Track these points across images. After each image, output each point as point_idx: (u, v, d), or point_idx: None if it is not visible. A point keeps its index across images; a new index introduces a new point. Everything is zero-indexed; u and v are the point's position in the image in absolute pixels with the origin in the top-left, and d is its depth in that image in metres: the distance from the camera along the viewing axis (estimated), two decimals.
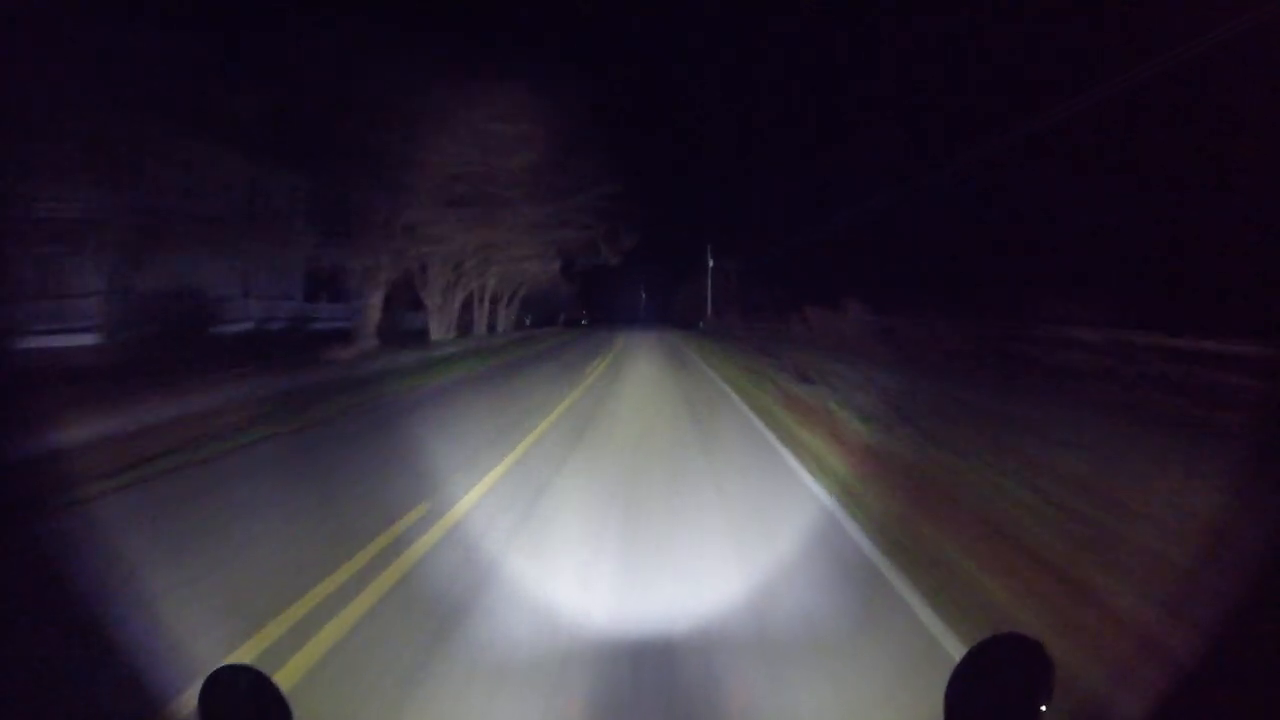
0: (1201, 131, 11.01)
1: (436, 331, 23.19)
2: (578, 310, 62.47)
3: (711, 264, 46.22)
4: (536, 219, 25.90)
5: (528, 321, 44.90)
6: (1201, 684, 2.52)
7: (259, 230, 16.78)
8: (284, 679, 2.49)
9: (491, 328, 32.55)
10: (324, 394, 9.89)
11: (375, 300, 17.26)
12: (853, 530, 4.28)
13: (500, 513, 4.55)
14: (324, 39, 13.27)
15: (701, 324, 46.61)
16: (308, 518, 4.42)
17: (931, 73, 23.90)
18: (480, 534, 4.12)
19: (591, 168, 26.38)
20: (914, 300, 20.26)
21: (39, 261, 11.59)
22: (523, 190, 23.93)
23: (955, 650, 2.81)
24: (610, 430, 7.60)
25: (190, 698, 2.24)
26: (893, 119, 30.01)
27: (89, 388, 8.29)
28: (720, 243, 46.57)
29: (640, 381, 12.94)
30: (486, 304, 30.42)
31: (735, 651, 2.74)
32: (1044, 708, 0.75)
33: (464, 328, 27.24)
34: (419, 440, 6.81)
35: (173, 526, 4.25)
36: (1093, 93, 10.95)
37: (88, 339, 12.04)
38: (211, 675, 0.77)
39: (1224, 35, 8.44)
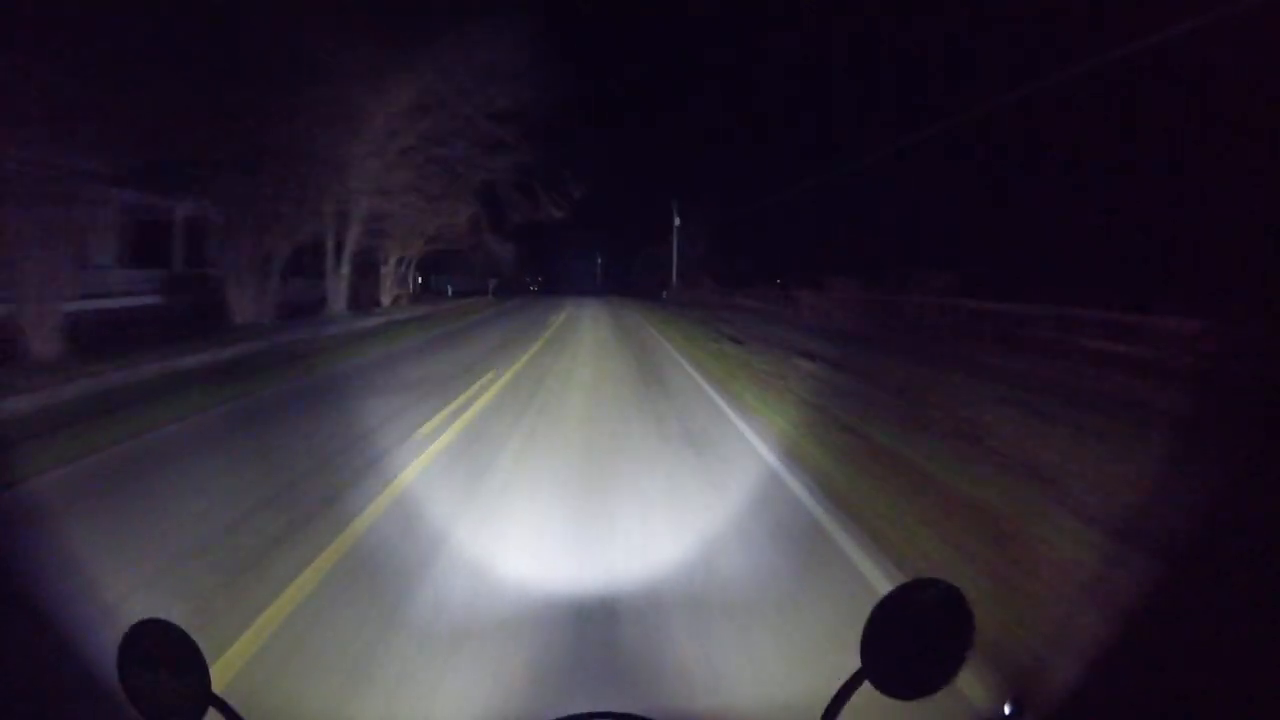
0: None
1: (240, 308, 14.43)
2: (522, 277, 53.63)
3: (678, 223, 39.26)
4: (437, 138, 18.47)
5: (449, 290, 37.67)
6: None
7: None
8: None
9: (371, 304, 22.59)
10: None
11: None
12: None
13: None
14: None
15: (665, 293, 39.62)
16: None
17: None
18: None
19: (524, 84, 19.07)
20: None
21: None
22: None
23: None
24: None
25: None
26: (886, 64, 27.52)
27: None
28: (689, 200, 39.90)
29: (573, 389, 8.40)
30: (346, 267, 19.12)
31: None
32: (965, 656, 0.74)
33: (311, 304, 18.55)
34: None
35: None
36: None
37: None
38: (130, 630, 0.76)
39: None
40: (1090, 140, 15.83)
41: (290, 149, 13.54)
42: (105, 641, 2.66)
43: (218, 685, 0.94)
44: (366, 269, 22.34)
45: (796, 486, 4.56)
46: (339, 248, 18.66)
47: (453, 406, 6.96)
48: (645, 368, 10.39)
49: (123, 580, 2.98)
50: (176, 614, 3.31)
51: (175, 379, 8.31)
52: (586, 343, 14.52)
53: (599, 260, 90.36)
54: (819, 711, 0.80)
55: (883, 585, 3.04)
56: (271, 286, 15.32)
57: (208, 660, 0.81)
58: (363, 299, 21.93)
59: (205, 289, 14.87)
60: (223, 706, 0.78)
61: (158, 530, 3.61)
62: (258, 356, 10.53)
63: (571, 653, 2.47)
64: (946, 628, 0.76)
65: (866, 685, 0.79)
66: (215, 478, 4.59)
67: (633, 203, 62.13)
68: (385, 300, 23.99)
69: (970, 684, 2.22)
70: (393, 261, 24.04)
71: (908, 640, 0.77)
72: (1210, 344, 9.08)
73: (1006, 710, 0.80)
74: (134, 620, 0.79)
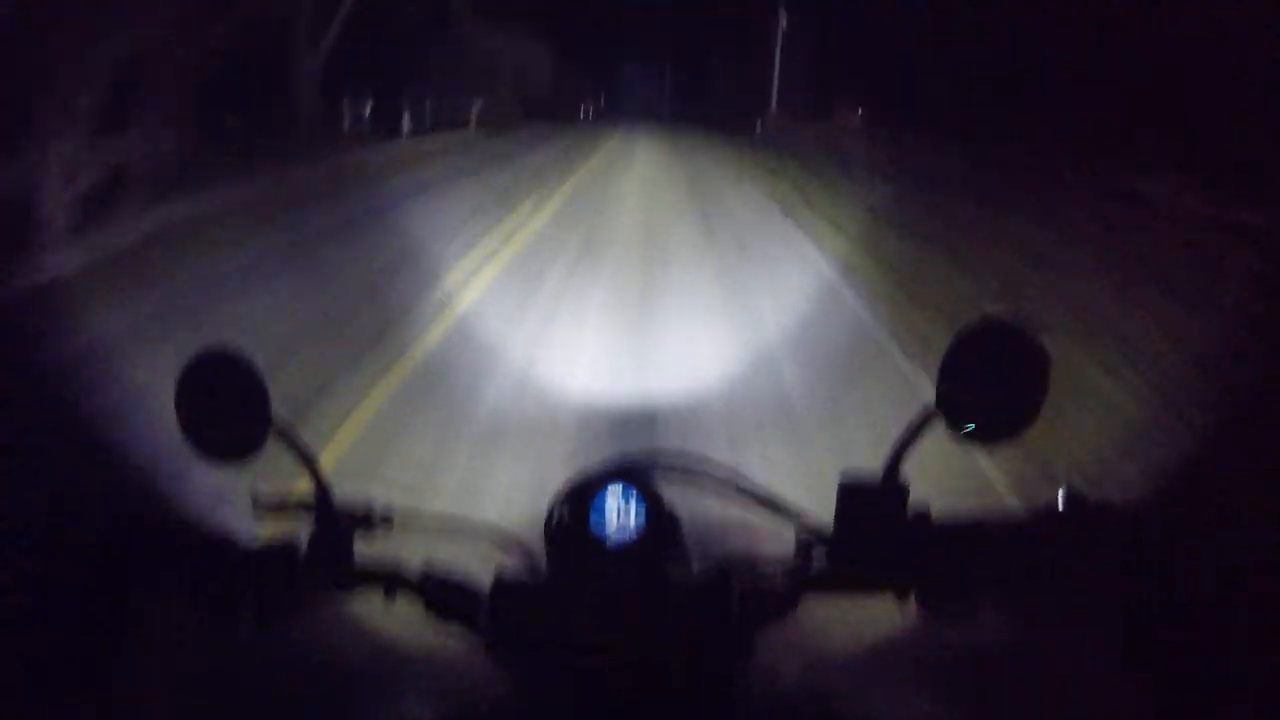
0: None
1: None
2: (554, 98, 36.64)
3: (784, 24, 23.72)
4: None
5: (405, 125, 18.46)
6: None
7: None
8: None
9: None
10: None
11: None
12: None
13: None
14: None
15: (760, 126, 24.04)
16: None
17: None
18: None
19: None
20: None
21: None
22: None
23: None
24: None
25: None
26: None
27: None
28: None
29: None
30: None
31: None
32: (1040, 402, 0.68)
33: None
34: None
35: None
36: None
37: None
38: (190, 360, 0.71)
39: None
40: None
41: None
42: None
43: None
44: None
45: None
46: None
47: None
48: None
49: None
50: None
51: None
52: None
53: (666, 73, 70.36)
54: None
55: None
56: None
57: None
58: None
59: None
60: (286, 436, 0.70)
61: None
62: None
63: None
64: (1022, 370, 0.69)
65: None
66: None
67: None
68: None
69: None
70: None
71: (983, 380, 0.69)
72: None
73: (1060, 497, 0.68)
74: None
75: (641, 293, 4.96)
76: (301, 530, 0.66)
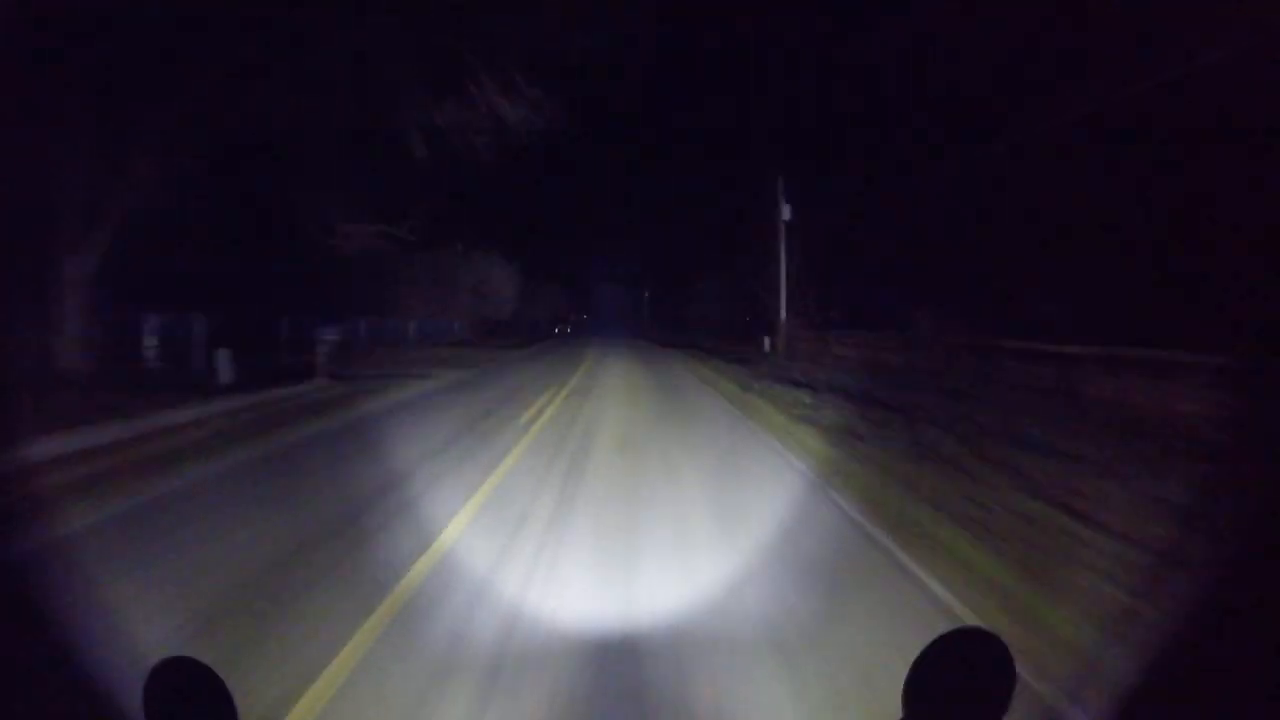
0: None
1: None
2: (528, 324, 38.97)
3: (787, 214, 19.74)
4: None
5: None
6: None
7: None
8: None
9: None
10: None
11: None
12: None
13: None
14: None
15: (769, 345, 20.81)
16: None
17: None
18: None
19: None
20: None
21: None
22: None
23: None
24: None
25: None
26: None
27: None
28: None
29: None
30: None
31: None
32: (1006, 707, 0.73)
33: None
34: None
35: None
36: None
37: None
38: (154, 669, 0.76)
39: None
40: None
41: None
42: None
43: None
44: None
45: None
46: None
47: None
48: None
49: None
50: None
51: None
52: None
53: (645, 295, 76.69)
54: None
55: None
56: None
57: None
58: None
59: None
60: None
61: None
62: None
63: None
64: (988, 678, 0.74)
65: None
66: None
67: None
68: None
69: None
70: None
71: (949, 690, 0.75)
72: None
73: None
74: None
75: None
76: None
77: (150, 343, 11.51)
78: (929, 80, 15.54)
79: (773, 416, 10.30)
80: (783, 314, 20.12)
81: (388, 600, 3.55)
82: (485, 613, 3.43)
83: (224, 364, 10.94)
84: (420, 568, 4.03)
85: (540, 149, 14.31)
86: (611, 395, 12.90)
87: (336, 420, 9.61)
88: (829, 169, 20.57)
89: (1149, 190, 9.44)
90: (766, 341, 20.32)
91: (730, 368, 18.35)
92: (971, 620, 3.35)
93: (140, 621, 3.28)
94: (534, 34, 11.91)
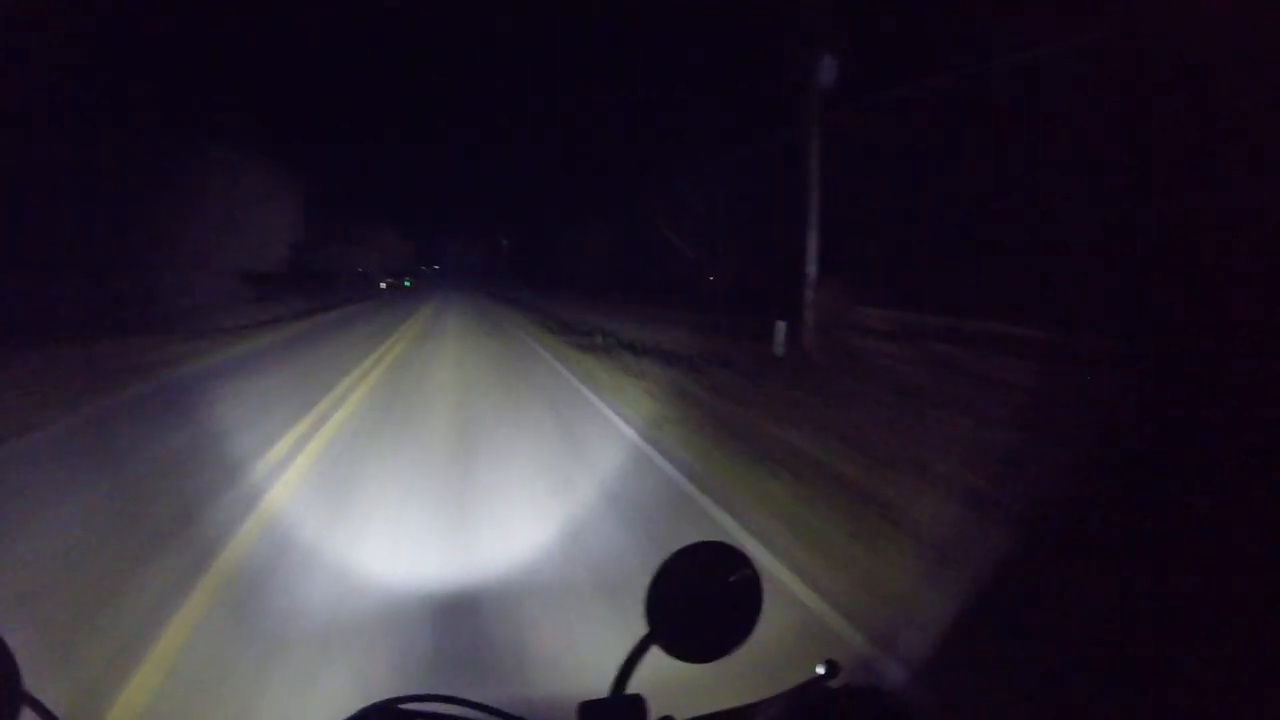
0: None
1: None
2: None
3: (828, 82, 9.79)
4: None
5: None
6: None
7: None
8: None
9: None
10: None
11: None
12: None
13: None
14: None
15: (782, 337, 9.77)
16: None
17: None
18: None
19: None
20: None
21: None
22: None
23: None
24: None
25: None
26: None
27: None
28: None
29: None
30: None
31: None
32: (755, 617, 0.76)
33: None
34: None
35: None
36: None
37: None
38: None
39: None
40: None
41: None
42: None
43: None
44: None
45: None
46: None
47: None
48: None
49: None
50: None
51: None
52: None
53: (504, 244, 65.64)
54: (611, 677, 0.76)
55: None
56: None
57: None
58: None
59: None
60: (36, 705, 0.72)
61: None
62: None
63: None
64: (733, 590, 0.75)
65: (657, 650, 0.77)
66: None
67: None
68: None
69: None
70: None
71: (694, 603, 0.76)
72: None
73: (821, 670, 0.73)
74: None
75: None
76: None
77: None
78: None
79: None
80: (811, 273, 10.10)
81: None
82: None
83: None
84: None
85: None
86: None
87: None
88: None
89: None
90: (779, 333, 10.12)
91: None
92: None
93: None
94: None
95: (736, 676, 1.28)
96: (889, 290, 10.57)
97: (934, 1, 10.88)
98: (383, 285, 45.33)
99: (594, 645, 2.51)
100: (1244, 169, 6.16)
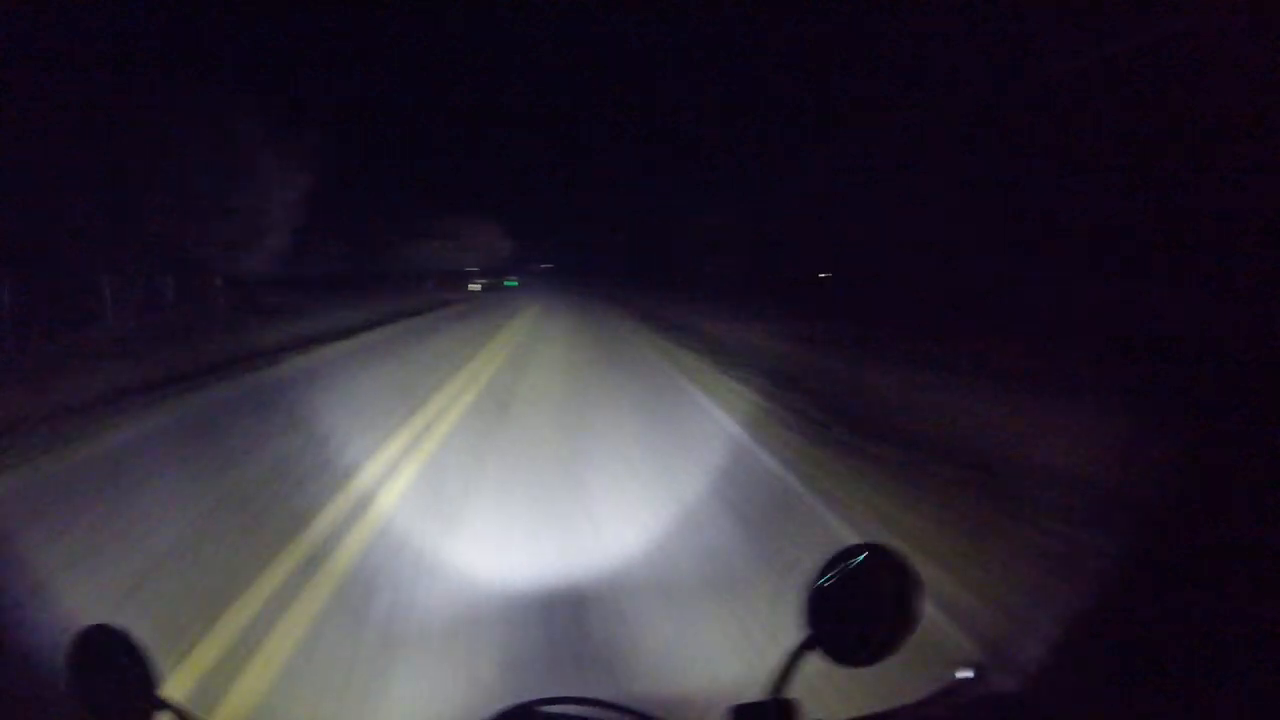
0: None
1: None
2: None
3: None
4: None
5: None
6: None
7: None
8: None
9: None
10: None
11: None
12: None
13: None
14: None
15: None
16: None
17: None
18: None
19: None
20: None
21: None
22: None
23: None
24: None
25: None
26: None
27: None
28: None
29: None
30: None
31: None
32: (915, 620, 0.73)
33: None
34: None
35: None
36: None
37: None
38: (74, 637, 0.75)
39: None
40: None
41: None
42: None
43: None
44: None
45: None
46: None
47: None
48: None
49: None
50: None
51: None
52: None
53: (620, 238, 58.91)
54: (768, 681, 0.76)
55: None
56: None
57: None
58: None
59: None
60: (171, 709, 0.75)
61: None
62: None
63: None
64: (893, 592, 0.74)
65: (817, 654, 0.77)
66: None
67: None
68: None
69: None
70: None
71: (854, 606, 0.75)
72: None
73: (969, 674, 0.74)
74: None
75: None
76: None
77: None
78: None
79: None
80: None
81: None
82: None
83: None
84: None
85: None
86: None
87: None
88: None
89: None
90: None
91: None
92: None
93: None
94: None
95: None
96: None
97: None
98: (473, 288, 37.71)
99: None
100: None
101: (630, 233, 57.05)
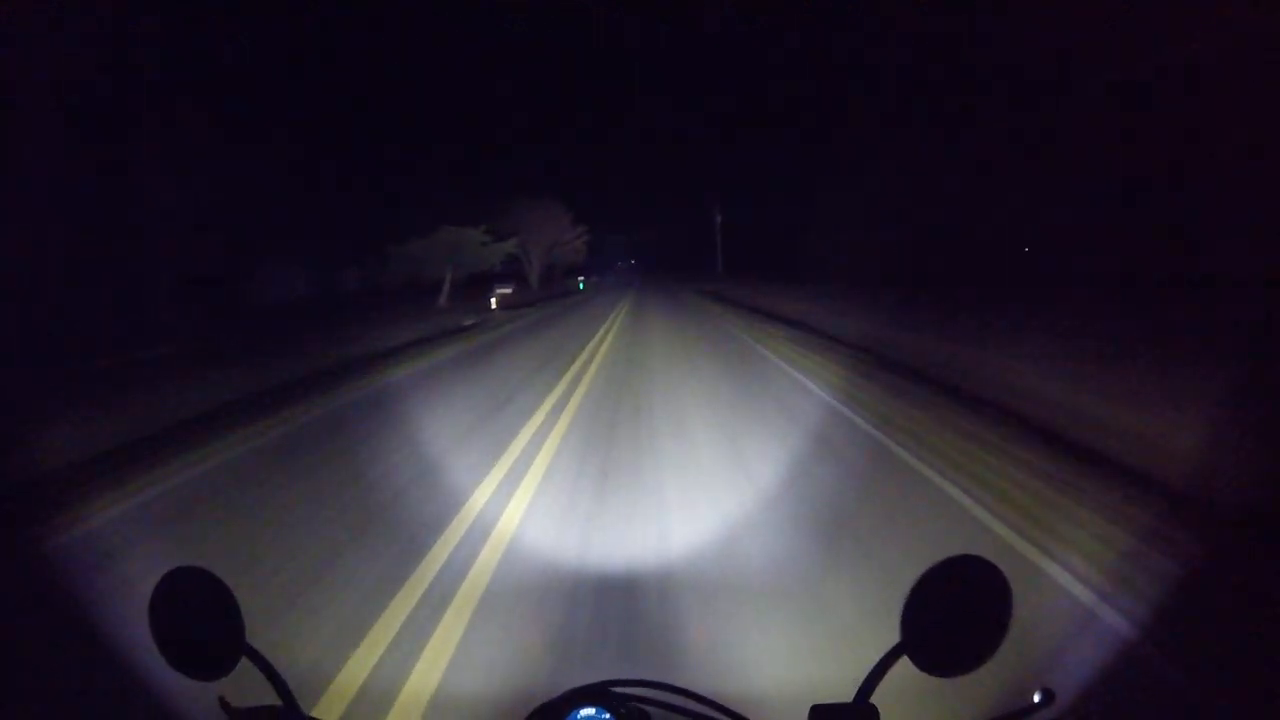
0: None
1: None
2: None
3: None
4: None
5: None
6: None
7: None
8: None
9: None
10: None
11: None
12: None
13: None
14: None
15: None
16: None
17: None
18: None
19: None
20: None
21: None
22: None
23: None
24: None
25: None
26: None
27: None
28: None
29: None
30: None
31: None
32: (1003, 634, 0.74)
33: None
34: None
35: None
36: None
37: None
38: (165, 577, 0.74)
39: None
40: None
41: None
42: None
43: None
44: None
45: None
46: None
47: None
48: None
49: None
50: None
51: None
52: None
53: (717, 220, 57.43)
54: (855, 686, 0.77)
55: None
56: None
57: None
58: None
59: None
60: (255, 657, 0.74)
61: None
62: None
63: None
64: (985, 604, 0.74)
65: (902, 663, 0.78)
66: None
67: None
68: None
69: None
70: None
71: (946, 616, 0.76)
72: None
73: (1036, 699, 0.73)
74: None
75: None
76: None
77: None
78: None
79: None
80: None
81: None
82: None
83: None
84: None
85: None
86: None
87: None
88: None
89: None
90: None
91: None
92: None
93: None
94: None
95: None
96: None
97: None
98: (493, 301, 27.31)
99: None
100: None
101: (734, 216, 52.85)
